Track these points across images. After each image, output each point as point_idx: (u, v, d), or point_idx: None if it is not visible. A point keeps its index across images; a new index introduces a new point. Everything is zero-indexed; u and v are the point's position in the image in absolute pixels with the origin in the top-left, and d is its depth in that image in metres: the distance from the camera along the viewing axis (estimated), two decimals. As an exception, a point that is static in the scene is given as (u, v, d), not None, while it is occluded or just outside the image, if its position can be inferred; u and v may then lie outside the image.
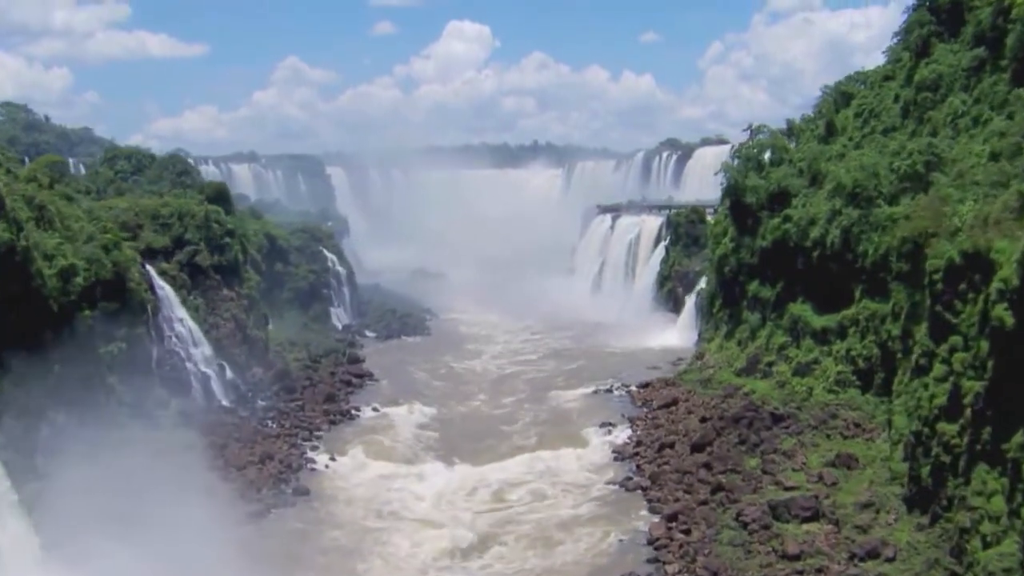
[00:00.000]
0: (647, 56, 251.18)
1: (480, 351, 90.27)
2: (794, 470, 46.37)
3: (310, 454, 57.83)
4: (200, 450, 51.84)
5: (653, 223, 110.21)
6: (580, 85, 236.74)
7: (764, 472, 46.82)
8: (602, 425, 61.42)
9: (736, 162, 70.28)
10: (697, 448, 52.25)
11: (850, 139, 64.72)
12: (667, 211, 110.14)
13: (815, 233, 58.73)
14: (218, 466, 52.30)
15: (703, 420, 56.98)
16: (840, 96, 69.88)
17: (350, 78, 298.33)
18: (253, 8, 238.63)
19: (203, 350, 62.89)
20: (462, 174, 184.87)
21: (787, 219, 62.12)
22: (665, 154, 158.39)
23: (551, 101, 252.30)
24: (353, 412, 67.10)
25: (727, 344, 69.49)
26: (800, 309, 60.33)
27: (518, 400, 70.15)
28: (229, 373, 64.33)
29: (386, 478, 53.22)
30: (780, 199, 64.20)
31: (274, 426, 61.91)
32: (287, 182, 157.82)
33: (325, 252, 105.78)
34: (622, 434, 59.70)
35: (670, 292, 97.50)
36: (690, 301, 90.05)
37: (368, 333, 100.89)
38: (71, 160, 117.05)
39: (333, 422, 64.58)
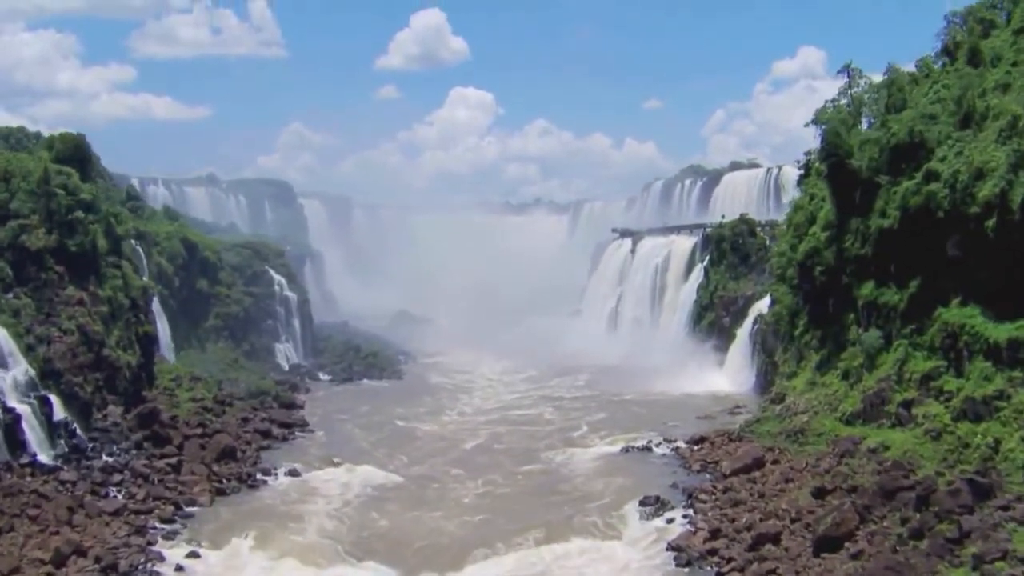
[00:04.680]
0: (650, 123, 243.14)
1: (462, 399, 67.71)
2: (1067, 600, 23.14)
3: (161, 545, 34.72)
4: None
5: (685, 244, 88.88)
6: (583, 152, 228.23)
7: (998, 601, 23.59)
8: (645, 503, 38.04)
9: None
10: (827, 544, 29.17)
11: (1014, 65, 43.01)
12: (702, 229, 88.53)
13: (986, 191, 36.75)
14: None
15: (819, 493, 34.03)
16: (977, 24, 48.42)
17: (353, 144, 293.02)
18: (257, 72, 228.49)
19: (15, 374, 40.23)
20: (460, 217, 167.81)
21: (930, 177, 40.01)
22: (688, 181, 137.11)
23: (554, 167, 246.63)
24: (259, 477, 44.17)
25: (823, 378, 46.85)
26: (961, 315, 37.91)
27: (510, 463, 47.01)
28: (59, 411, 41.40)
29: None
30: (910, 154, 42.26)
31: (118, 496, 38.85)
32: (251, 209, 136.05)
33: (271, 273, 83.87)
34: (679, 517, 36.36)
35: (712, 324, 75.44)
36: (743, 331, 68.33)
37: (322, 376, 78.28)
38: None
39: (222, 491, 41.52)
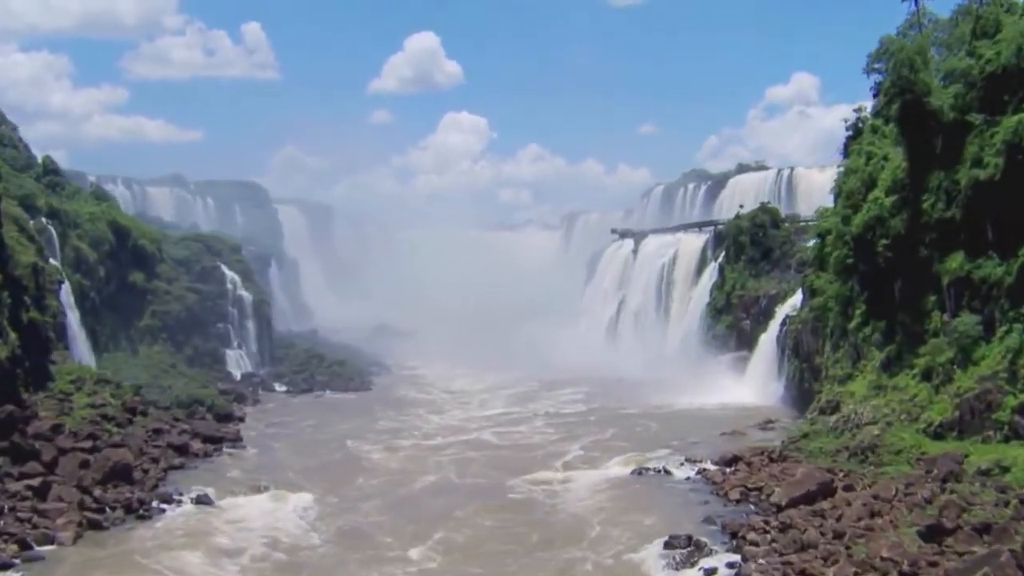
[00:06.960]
0: (643, 149, 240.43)
1: (433, 418, 56.54)
2: None
3: (-23, 604, 23.95)
4: None
5: (695, 241, 79.27)
6: (575, 177, 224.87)
7: None
8: (672, 545, 27.26)
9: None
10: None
11: None
12: (712, 225, 78.90)
13: None
14: None
15: (932, 534, 23.46)
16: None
17: (347, 167, 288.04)
18: (251, 94, 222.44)
19: None
20: (450, 233, 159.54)
21: (1053, 104, 29.95)
22: (691, 185, 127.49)
23: (546, 193, 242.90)
24: (155, 504, 33.42)
25: (893, 381, 36.64)
26: (1105, 287, 27.62)
27: (480, 501, 35.38)
28: None
29: None
30: (1016, 82, 32.29)
31: (-59, 532, 28.02)
32: (220, 212, 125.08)
33: (223, 269, 73.32)
34: (722, 566, 25.69)
35: (730, 327, 65.48)
36: (768, 335, 58.39)
37: (278, 386, 67.73)
38: None
39: (97, 524, 30.76)
